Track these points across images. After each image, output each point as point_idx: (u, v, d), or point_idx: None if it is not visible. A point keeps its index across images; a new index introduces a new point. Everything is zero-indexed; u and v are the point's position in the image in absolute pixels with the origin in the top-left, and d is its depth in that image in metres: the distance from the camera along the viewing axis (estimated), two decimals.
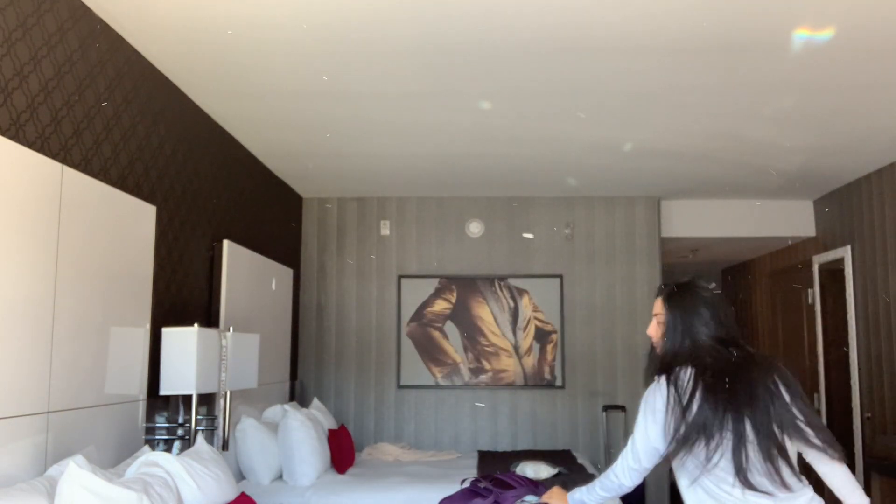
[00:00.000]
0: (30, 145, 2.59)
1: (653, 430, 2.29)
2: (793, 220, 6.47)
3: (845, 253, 5.81)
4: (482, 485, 3.55)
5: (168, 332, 3.41)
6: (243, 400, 4.57)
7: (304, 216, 6.42)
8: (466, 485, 3.67)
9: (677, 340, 2.37)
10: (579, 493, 2.56)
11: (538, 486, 3.57)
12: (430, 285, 6.29)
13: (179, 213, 3.87)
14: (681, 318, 2.39)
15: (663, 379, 2.32)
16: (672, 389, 2.27)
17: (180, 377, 3.36)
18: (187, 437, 3.59)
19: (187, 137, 3.98)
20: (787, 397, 2.22)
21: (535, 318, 6.26)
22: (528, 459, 4.92)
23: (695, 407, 2.21)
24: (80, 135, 2.92)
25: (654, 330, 2.49)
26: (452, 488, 4.34)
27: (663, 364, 2.37)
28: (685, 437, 2.20)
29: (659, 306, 2.47)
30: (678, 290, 2.44)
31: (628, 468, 2.39)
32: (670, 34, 3.18)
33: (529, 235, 5.97)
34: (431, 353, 6.24)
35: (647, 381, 2.48)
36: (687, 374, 2.28)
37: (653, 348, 2.54)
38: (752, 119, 4.30)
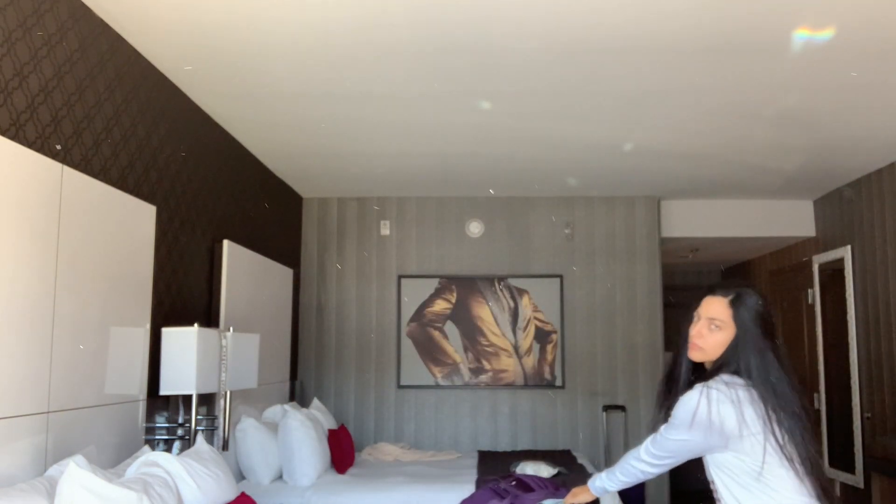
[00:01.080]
0: (30, 145, 2.59)
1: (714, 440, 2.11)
2: (793, 220, 6.47)
3: (845, 253, 5.81)
4: (502, 485, 3.52)
5: (168, 332, 3.41)
6: (243, 400, 4.57)
7: (304, 216, 6.42)
8: (490, 485, 3.65)
9: (744, 357, 2.15)
10: (600, 479, 2.45)
11: (559, 489, 3.54)
12: (430, 285, 6.29)
13: (179, 213, 3.87)
14: (751, 332, 2.17)
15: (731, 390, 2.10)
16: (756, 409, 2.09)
17: (180, 377, 3.36)
18: (187, 437, 3.59)
19: (187, 137, 3.98)
20: None
21: (535, 318, 6.26)
22: (528, 459, 4.92)
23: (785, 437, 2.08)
24: (80, 135, 2.92)
25: (709, 335, 2.21)
26: (452, 488, 4.34)
27: (712, 373, 2.17)
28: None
29: (719, 309, 2.20)
30: (742, 296, 2.20)
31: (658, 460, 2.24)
32: (670, 35, 3.18)
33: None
34: (431, 353, 6.24)
35: (671, 389, 2.27)
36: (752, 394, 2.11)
37: (678, 357, 2.29)
38: (752, 119, 4.29)
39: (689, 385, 2.20)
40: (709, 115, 4.23)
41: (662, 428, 2.22)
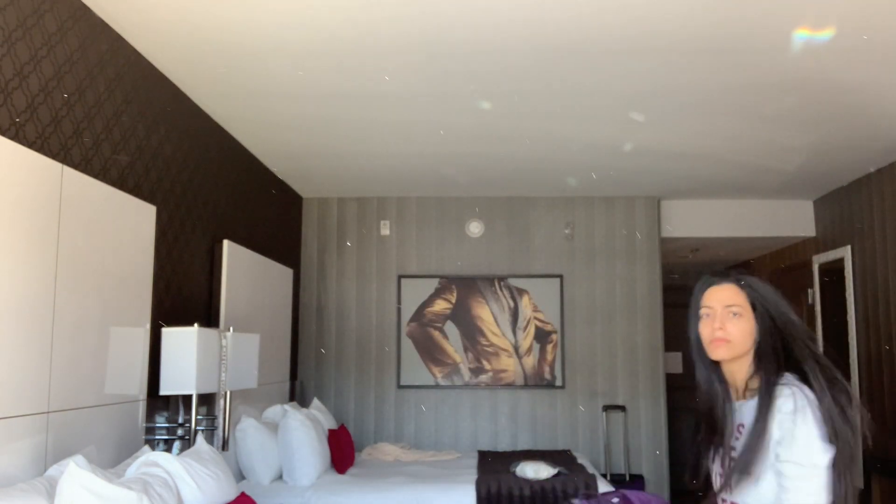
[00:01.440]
0: (30, 145, 2.59)
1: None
2: (793, 220, 6.47)
3: (845, 253, 5.81)
4: (615, 500, 3.44)
5: (168, 332, 3.41)
6: (243, 400, 4.57)
7: (304, 216, 6.42)
8: (592, 500, 3.60)
9: (777, 339, 1.86)
10: None
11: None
12: (430, 285, 6.29)
13: (179, 213, 3.87)
14: (778, 315, 1.88)
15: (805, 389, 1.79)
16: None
17: (180, 377, 3.36)
18: (187, 437, 3.59)
19: (187, 137, 3.98)
20: None
21: (535, 318, 6.26)
22: (528, 459, 4.92)
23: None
24: (80, 135, 2.92)
25: (732, 324, 1.87)
26: (452, 488, 4.34)
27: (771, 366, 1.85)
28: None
29: (732, 295, 1.89)
30: (746, 279, 1.92)
31: None
32: (670, 34, 3.18)
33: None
34: (431, 353, 6.24)
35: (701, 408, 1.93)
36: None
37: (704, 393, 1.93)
38: (752, 119, 4.29)
39: (726, 395, 1.88)
40: (709, 115, 4.23)
41: (782, 467, 1.76)
